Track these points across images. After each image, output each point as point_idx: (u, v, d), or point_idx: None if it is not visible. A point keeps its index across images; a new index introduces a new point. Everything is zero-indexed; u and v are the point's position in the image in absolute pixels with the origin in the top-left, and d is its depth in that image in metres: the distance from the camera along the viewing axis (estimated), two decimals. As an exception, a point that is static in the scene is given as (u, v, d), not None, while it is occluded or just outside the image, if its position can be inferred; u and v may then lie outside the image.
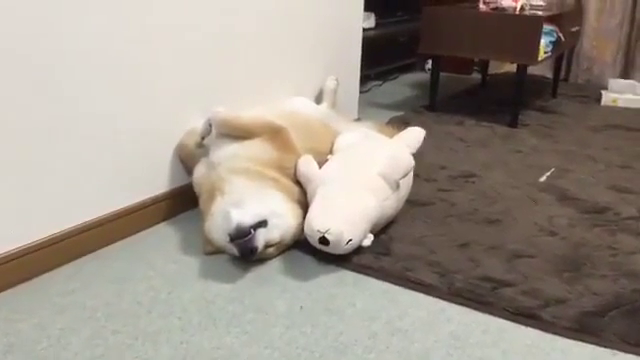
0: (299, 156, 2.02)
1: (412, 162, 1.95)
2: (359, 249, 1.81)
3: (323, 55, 2.76)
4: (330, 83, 2.71)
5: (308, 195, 1.94)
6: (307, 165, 1.99)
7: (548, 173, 2.54)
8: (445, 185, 2.40)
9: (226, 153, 1.96)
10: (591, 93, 4.08)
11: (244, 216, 1.71)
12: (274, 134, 2.00)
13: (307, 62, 2.68)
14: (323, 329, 1.48)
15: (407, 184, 2.04)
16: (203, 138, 2.07)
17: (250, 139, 1.99)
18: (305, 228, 1.78)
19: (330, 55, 2.80)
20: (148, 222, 2.02)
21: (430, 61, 4.85)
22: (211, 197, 1.87)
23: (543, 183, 2.45)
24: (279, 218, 1.80)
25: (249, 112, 2.08)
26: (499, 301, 1.58)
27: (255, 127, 2.00)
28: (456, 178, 2.48)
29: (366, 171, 1.90)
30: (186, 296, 1.62)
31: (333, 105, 2.70)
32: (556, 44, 3.36)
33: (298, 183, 1.99)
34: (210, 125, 2.04)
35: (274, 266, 1.79)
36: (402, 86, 4.40)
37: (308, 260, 1.83)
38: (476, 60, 4.82)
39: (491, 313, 1.56)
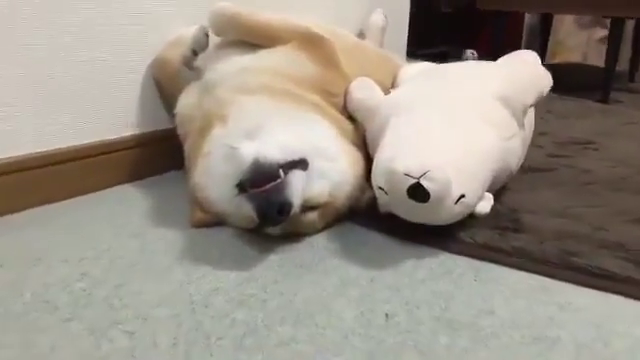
0: (348, 80, 1.22)
1: (549, 77, 1.15)
2: (467, 220, 0.99)
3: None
4: (377, 18, 1.94)
5: (369, 134, 1.14)
6: (366, 89, 1.20)
7: (694, 143, 1.74)
8: (556, 151, 1.64)
9: (232, 67, 1.18)
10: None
11: (267, 148, 0.91)
12: (310, 41, 1.21)
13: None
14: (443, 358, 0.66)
15: (530, 124, 1.24)
16: (195, 52, 1.27)
17: (272, 47, 1.19)
18: (377, 177, 0.98)
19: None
20: (101, 179, 1.21)
21: (468, 51, 4.12)
22: (205, 132, 1.06)
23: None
24: (328, 160, 1.00)
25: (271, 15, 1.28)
26: None
27: (281, 29, 1.21)
28: (565, 144, 1.71)
29: (475, 93, 1.10)
30: (151, 292, 0.80)
31: (380, 47, 1.91)
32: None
33: (350, 119, 1.19)
34: (207, 34, 1.26)
35: (321, 244, 0.98)
36: (441, 72, 3.64)
37: (380, 239, 1.01)
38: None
39: None
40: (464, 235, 1.00)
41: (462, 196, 0.93)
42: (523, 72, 1.14)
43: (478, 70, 1.20)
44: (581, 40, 3.97)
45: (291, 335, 0.71)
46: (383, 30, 1.94)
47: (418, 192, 0.89)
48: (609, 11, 2.39)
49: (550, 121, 2.06)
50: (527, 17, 3.79)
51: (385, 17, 1.95)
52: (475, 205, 0.99)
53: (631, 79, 3.32)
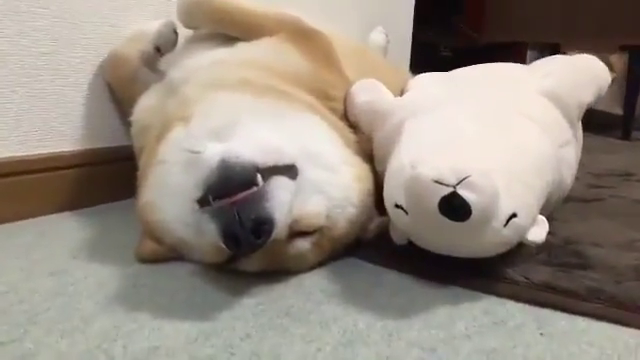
0: (349, 84, 0.97)
1: (607, 72, 0.90)
2: (513, 252, 0.72)
3: (367, 2, 1.78)
4: (377, 37, 1.73)
5: (377, 143, 0.88)
6: (372, 91, 0.94)
7: None
8: (596, 182, 1.39)
9: (203, 61, 0.92)
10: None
11: (240, 145, 0.64)
12: (303, 34, 0.97)
13: (347, 8, 1.70)
14: None
15: (579, 139, 0.98)
16: (159, 50, 1.03)
17: (254, 39, 0.95)
18: (393, 192, 0.72)
19: (376, 3, 1.83)
20: (30, 205, 0.94)
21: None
22: (162, 138, 0.79)
23: None
24: (326, 170, 0.73)
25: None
26: None
27: (266, 17, 0.98)
28: (603, 176, 1.48)
29: (517, 89, 0.85)
30: (51, 353, 0.51)
31: (382, 68, 1.68)
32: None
33: (352, 128, 0.93)
34: (174, 30, 1.04)
35: (315, 285, 0.70)
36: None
37: (396, 278, 0.73)
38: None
39: None
40: (514, 272, 0.73)
41: (513, 215, 0.67)
42: (574, 63, 0.90)
43: (515, 67, 0.96)
44: (585, 85, 3.80)
45: None
46: (384, 49, 1.71)
47: (454, 206, 0.62)
48: (626, 38, 2.19)
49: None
50: (529, 57, 3.62)
51: (386, 35, 1.73)
52: (528, 230, 0.71)
53: (646, 120, 3.12)
